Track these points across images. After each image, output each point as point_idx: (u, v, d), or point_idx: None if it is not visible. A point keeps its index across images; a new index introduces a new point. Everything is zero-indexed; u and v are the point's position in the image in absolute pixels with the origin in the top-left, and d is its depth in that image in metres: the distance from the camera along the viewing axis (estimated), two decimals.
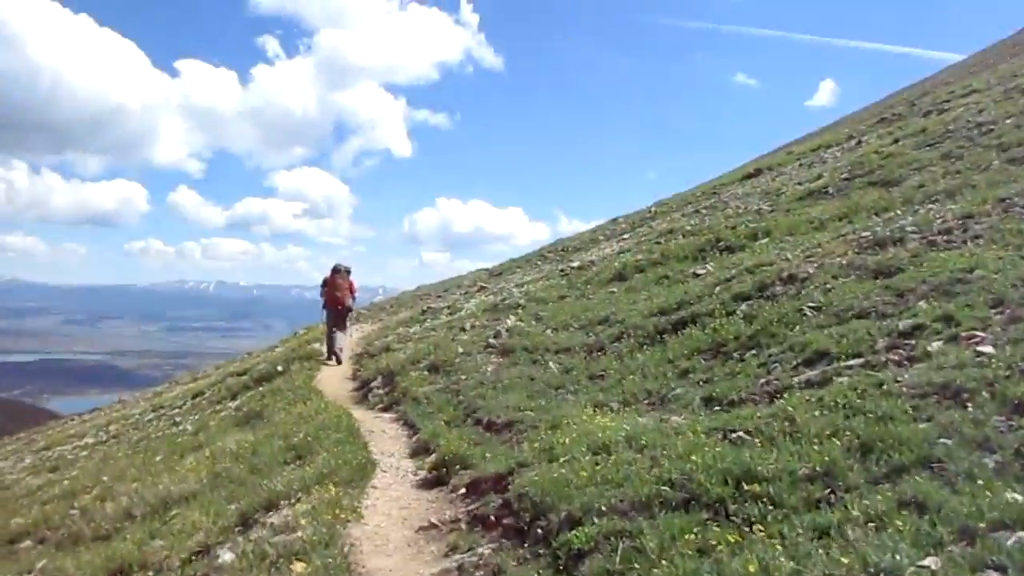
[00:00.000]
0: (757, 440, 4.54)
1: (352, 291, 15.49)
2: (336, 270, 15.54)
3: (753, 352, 6.80)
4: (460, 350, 11.20)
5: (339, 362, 14.73)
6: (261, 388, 13.13)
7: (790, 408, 4.79)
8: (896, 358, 5.26)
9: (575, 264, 17.22)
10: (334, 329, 15.10)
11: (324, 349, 15.49)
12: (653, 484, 4.27)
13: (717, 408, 5.79)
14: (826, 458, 3.96)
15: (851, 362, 5.52)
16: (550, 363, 9.46)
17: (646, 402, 6.85)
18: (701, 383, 6.68)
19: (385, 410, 10.33)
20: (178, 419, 14.25)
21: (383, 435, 8.82)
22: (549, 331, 11.08)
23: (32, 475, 14.50)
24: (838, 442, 4.12)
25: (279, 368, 14.79)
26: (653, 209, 30.02)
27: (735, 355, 6.98)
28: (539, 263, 27.95)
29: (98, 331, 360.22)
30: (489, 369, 10.11)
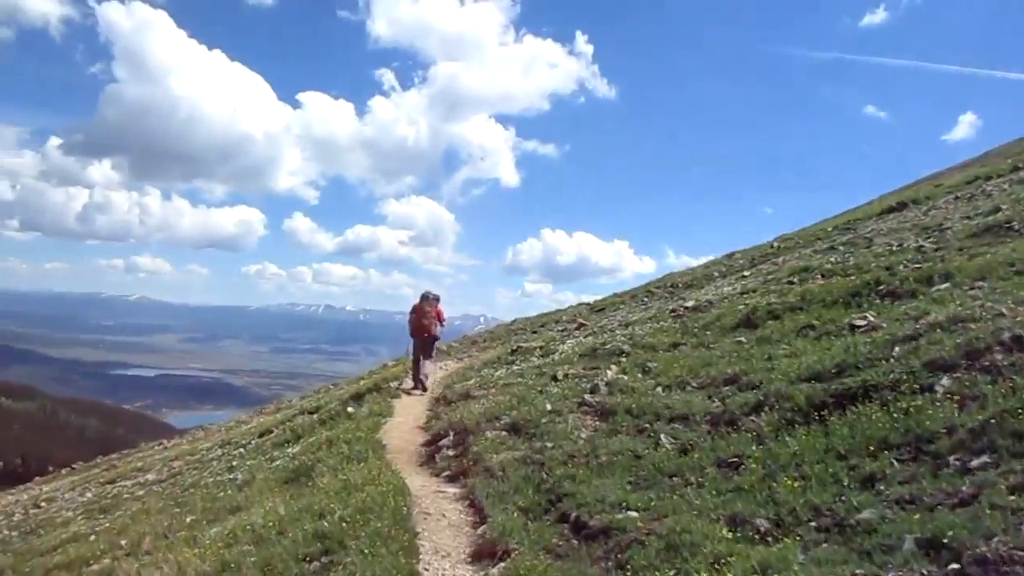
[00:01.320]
0: None
1: (440, 319, 14.95)
2: (424, 297, 15.01)
3: (986, 459, 4.42)
4: (548, 407, 9.13)
5: (424, 390, 14.34)
6: (326, 433, 11.41)
7: None
8: None
9: (689, 304, 14.89)
10: (420, 357, 14.75)
11: (409, 380, 15.10)
12: None
13: (953, 566, 3.47)
14: None
15: None
16: (662, 436, 7.25)
17: (814, 526, 4.56)
18: (904, 504, 4.34)
19: (452, 479, 8.34)
20: (235, 463, 12.74)
21: (441, 521, 6.83)
22: (660, 389, 8.87)
23: (83, 515, 13.33)
24: None
25: (349, 409, 13.12)
26: (776, 244, 27.23)
27: (952, 461, 4.60)
28: (645, 299, 25.65)
29: (214, 349, 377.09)
30: (582, 436, 8.00)
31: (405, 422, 11.94)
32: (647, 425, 7.79)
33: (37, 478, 27.87)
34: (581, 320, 20.62)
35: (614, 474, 6.72)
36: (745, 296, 13.89)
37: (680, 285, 25.96)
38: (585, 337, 14.96)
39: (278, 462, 10.98)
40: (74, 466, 26.82)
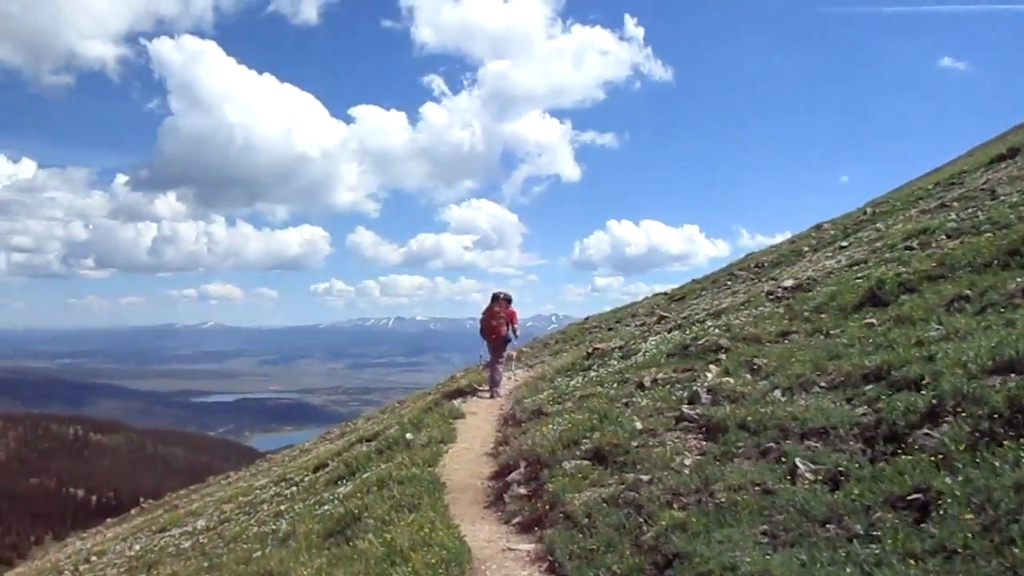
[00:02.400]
0: None
1: (511, 320, 14.39)
2: (494, 298, 14.61)
3: None
4: (638, 425, 7.36)
5: (493, 396, 14.01)
6: (377, 472, 9.86)
7: None
8: None
9: (787, 283, 12.88)
10: (492, 361, 14.48)
11: (483, 389, 14.71)
12: None
13: None
14: None
15: None
16: (797, 461, 5.41)
17: None
18: None
19: (525, 528, 6.64)
20: (284, 507, 11.32)
21: None
22: (778, 393, 7.01)
23: (127, 571, 12.15)
24: None
25: (408, 436, 11.57)
26: (869, 210, 24.77)
27: None
28: (728, 283, 23.53)
29: (290, 370, 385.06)
30: (687, 464, 6.22)
31: (470, 448, 10.31)
32: (772, 444, 5.95)
33: (108, 520, 27.36)
34: (661, 312, 18.71)
35: (739, 520, 4.92)
36: (856, 269, 11.84)
37: (766, 264, 23.80)
38: (670, 331, 13.09)
39: (326, 507, 9.47)
40: (143, 504, 26.15)
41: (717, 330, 10.56)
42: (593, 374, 11.64)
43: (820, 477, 5.12)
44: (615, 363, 11.96)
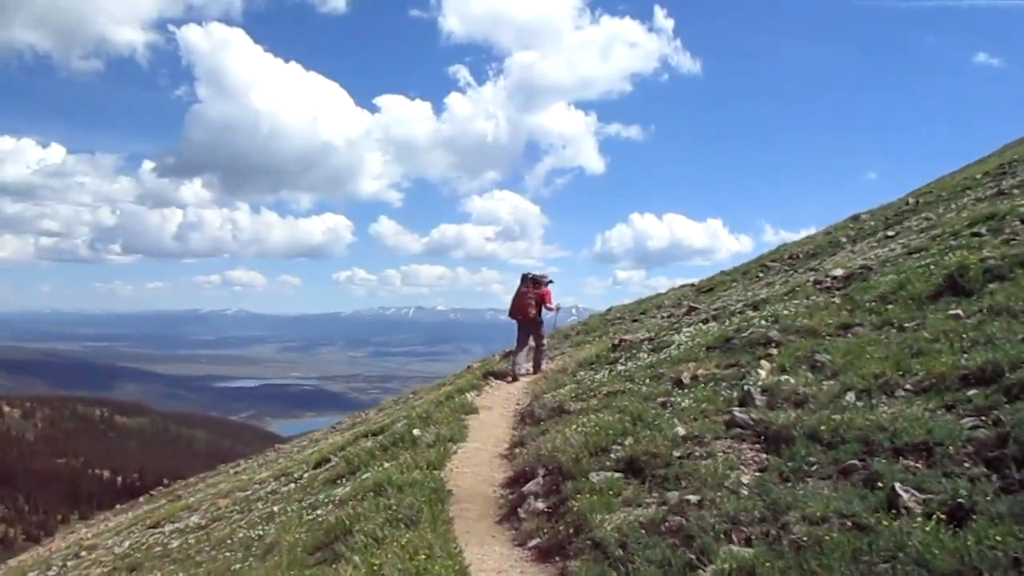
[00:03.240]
0: None
1: (543, 301, 13.86)
2: (523, 279, 14.08)
3: None
4: (680, 430, 6.15)
5: (514, 379, 13.57)
6: (374, 474, 8.73)
7: None
8: None
9: (836, 273, 11.56)
10: (518, 345, 14.15)
11: (527, 366, 14.19)
12: None
13: None
14: None
15: None
16: (896, 487, 4.19)
17: None
18: None
19: (543, 556, 5.46)
20: (277, 506, 10.27)
21: None
22: (852, 396, 5.77)
23: (110, 571, 11.17)
24: None
25: (415, 432, 10.45)
26: (913, 200, 23.27)
27: None
28: (760, 275, 22.18)
29: (311, 357, 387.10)
30: (744, 481, 5.03)
31: (483, 448, 9.15)
32: (855, 462, 4.74)
33: (118, 506, 26.61)
34: (690, 303, 17.41)
35: (829, 567, 3.72)
36: (919, 256, 10.51)
37: (801, 255, 22.40)
38: (705, 323, 11.82)
39: (319, 511, 8.37)
40: (153, 492, 25.34)
41: (764, 321, 9.29)
42: (621, 368, 10.41)
43: (933, 511, 3.89)
44: (645, 356, 10.72)
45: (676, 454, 5.68)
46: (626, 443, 6.28)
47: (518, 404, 11.79)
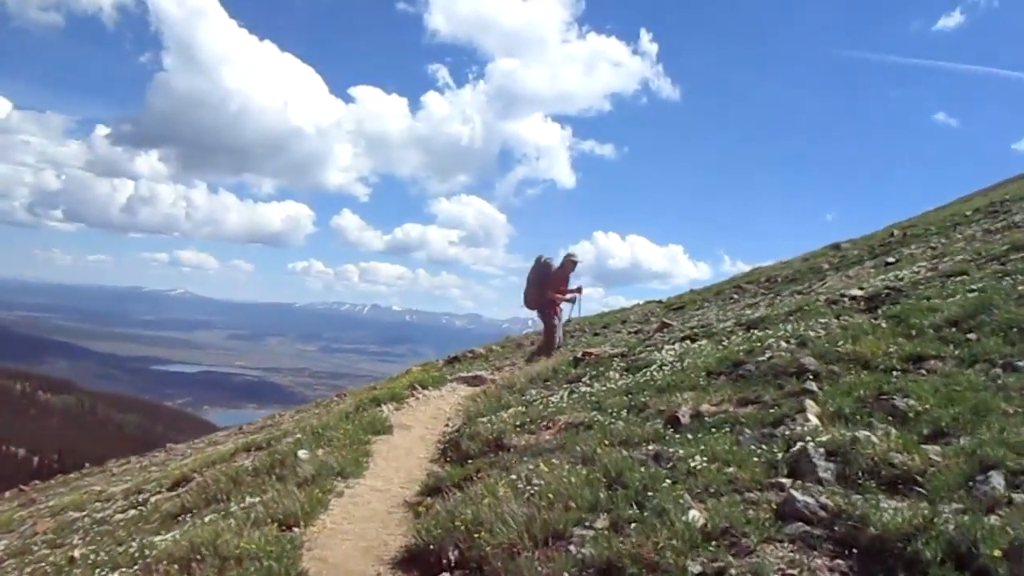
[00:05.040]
0: None
1: (554, 286, 12.65)
2: (535, 263, 12.81)
3: None
4: (695, 515, 3.57)
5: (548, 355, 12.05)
6: (219, 521, 5.95)
7: None
8: None
9: (855, 293, 9.17)
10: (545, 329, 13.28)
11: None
12: None
13: None
14: None
15: None
16: None
17: None
18: None
19: None
20: (80, 552, 7.44)
21: None
22: (998, 480, 3.27)
23: None
24: None
25: (301, 454, 7.73)
26: (897, 231, 21.28)
27: None
28: (735, 296, 20.00)
29: (259, 347, 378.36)
30: None
31: (382, 490, 6.46)
32: None
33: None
34: (662, 319, 14.96)
35: None
36: (961, 280, 8.20)
37: (779, 279, 20.30)
38: (691, 340, 9.26)
39: (119, 573, 5.61)
40: (24, 487, 21.96)
41: (786, 343, 6.78)
42: (585, 389, 7.81)
43: None
44: (616, 376, 8.15)
45: (695, 569, 3.09)
46: (597, 525, 3.70)
47: (447, 424, 9.17)
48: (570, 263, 12.96)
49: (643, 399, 6.33)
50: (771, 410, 5.06)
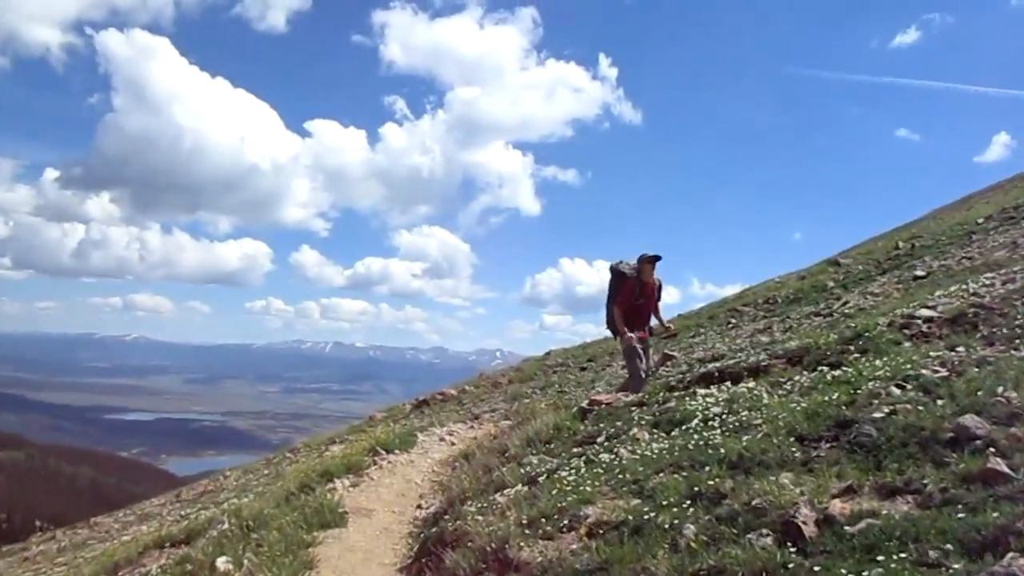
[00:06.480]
0: None
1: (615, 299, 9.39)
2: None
3: None
4: None
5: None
6: None
7: None
8: None
9: (927, 314, 7.30)
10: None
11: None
12: None
13: None
14: None
15: None
16: None
17: None
18: None
19: None
20: None
21: None
22: None
23: None
24: None
25: (219, 563, 5.54)
26: (903, 243, 19.79)
27: None
28: (733, 320, 18.30)
29: (217, 391, 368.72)
30: None
31: None
32: None
33: None
34: (665, 352, 13.00)
35: None
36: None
37: (779, 300, 18.65)
38: (736, 384, 7.22)
39: None
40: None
41: (899, 390, 4.80)
42: (606, 457, 5.73)
43: None
44: (645, 437, 6.09)
45: None
46: None
47: (420, 504, 7.04)
48: (647, 265, 9.32)
49: (711, 482, 4.28)
50: (959, 513, 3.06)
